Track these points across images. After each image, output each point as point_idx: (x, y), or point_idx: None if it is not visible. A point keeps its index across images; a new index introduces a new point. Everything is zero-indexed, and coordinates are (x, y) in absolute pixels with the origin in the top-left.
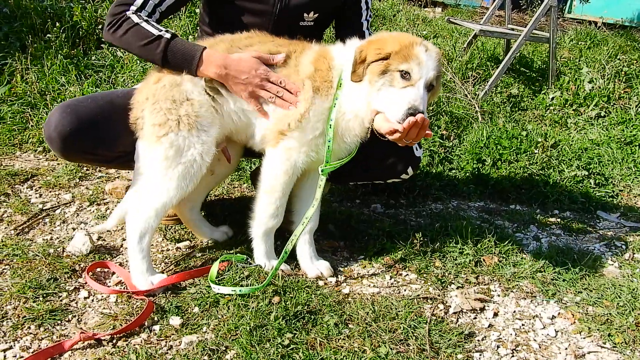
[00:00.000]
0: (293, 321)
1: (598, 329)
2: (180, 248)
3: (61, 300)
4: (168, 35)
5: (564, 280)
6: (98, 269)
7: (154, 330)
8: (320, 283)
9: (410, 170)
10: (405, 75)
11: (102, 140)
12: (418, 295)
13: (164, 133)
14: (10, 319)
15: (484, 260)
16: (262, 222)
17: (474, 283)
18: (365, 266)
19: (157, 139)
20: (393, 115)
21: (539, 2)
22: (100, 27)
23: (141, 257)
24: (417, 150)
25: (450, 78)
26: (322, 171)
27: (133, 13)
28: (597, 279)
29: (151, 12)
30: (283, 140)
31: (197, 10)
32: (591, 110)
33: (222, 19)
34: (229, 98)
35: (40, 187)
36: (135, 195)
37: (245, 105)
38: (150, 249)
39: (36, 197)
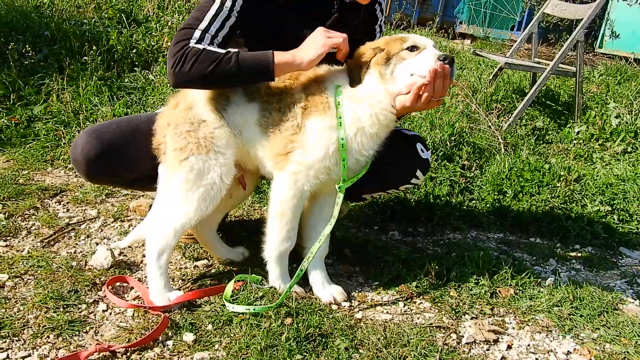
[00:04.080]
0: (304, 343)
1: None
2: (198, 266)
3: (80, 312)
4: (235, 50)
5: (581, 315)
6: (117, 284)
7: (167, 345)
8: (334, 307)
9: (419, 174)
10: (412, 48)
11: (125, 164)
12: (431, 323)
13: (185, 157)
14: (31, 327)
15: (499, 291)
16: (274, 245)
17: (489, 314)
18: (379, 292)
19: (179, 162)
20: (425, 68)
21: (567, 36)
22: (134, 50)
23: (159, 274)
24: (423, 152)
25: (475, 109)
26: (339, 188)
27: (195, 43)
28: (616, 316)
29: (209, 45)
30: (289, 164)
31: None
32: (617, 145)
33: (256, 46)
34: (229, 119)
35: (68, 202)
36: (155, 215)
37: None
38: (168, 267)
39: (63, 212)
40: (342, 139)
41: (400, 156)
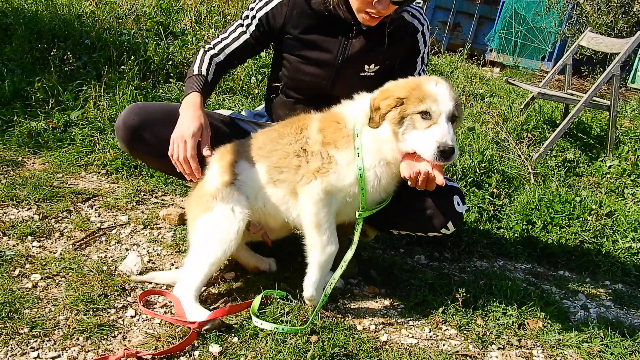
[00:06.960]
0: None
1: None
2: (224, 277)
3: (109, 316)
4: (197, 73)
5: (611, 353)
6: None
7: (193, 355)
8: (359, 327)
9: (450, 226)
10: (425, 115)
11: (162, 135)
12: (457, 351)
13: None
14: (62, 328)
15: (528, 323)
16: (319, 252)
17: (516, 346)
18: (404, 316)
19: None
20: (426, 155)
21: (601, 69)
22: (170, 62)
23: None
24: (459, 205)
25: (505, 137)
26: (359, 216)
27: (207, 47)
28: None
29: (219, 52)
30: (319, 180)
31: (263, 54)
32: None
33: (285, 68)
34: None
35: (99, 207)
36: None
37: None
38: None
39: (95, 216)
40: (359, 169)
41: (435, 206)
